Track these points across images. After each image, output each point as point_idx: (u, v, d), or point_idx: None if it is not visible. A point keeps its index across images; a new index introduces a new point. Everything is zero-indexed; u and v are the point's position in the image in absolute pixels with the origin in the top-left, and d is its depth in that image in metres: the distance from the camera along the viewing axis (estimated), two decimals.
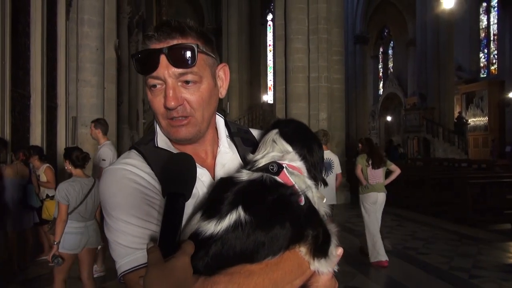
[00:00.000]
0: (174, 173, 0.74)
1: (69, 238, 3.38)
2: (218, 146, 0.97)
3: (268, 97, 23.92)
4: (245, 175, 0.79)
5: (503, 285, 4.46)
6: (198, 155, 0.93)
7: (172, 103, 0.82)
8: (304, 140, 0.88)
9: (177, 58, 0.81)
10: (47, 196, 5.28)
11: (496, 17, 23.09)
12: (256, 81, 20.64)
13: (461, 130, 20.05)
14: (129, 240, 0.80)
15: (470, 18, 23.96)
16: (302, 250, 0.77)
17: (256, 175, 0.78)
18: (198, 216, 0.75)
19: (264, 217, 0.72)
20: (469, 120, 22.02)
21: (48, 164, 5.54)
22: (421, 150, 20.39)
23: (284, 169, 0.80)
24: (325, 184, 0.89)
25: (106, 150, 4.85)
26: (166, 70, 0.82)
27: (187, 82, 0.84)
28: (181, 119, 0.85)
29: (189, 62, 0.81)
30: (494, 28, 23.45)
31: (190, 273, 0.65)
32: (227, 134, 1.00)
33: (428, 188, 8.78)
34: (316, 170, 0.87)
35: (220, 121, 1.00)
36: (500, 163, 14.15)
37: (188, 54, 0.81)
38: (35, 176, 5.31)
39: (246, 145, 0.99)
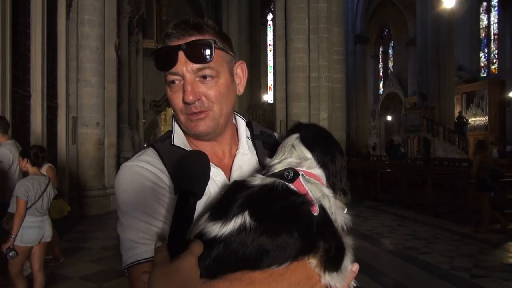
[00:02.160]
0: (186, 171, 0.73)
1: (28, 232, 3.55)
2: (237, 147, 0.97)
3: (268, 97, 23.91)
4: (258, 180, 0.78)
5: (504, 285, 4.45)
6: (216, 154, 0.93)
7: (190, 98, 0.83)
8: (325, 146, 0.86)
9: (195, 54, 0.83)
10: None
11: (497, 16, 23.08)
12: (256, 80, 20.64)
13: (461, 129, 20.06)
14: (136, 235, 0.81)
15: (470, 17, 23.95)
16: (312, 262, 0.74)
17: (269, 180, 0.77)
18: (205, 216, 0.74)
19: (271, 224, 0.70)
20: (469, 120, 22.01)
21: (50, 164, 5.51)
22: (421, 149, 20.39)
23: (300, 176, 0.78)
24: (345, 193, 0.87)
25: (4, 151, 4.52)
26: (184, 66, 0.84)
27: (204, 77, 0.85)
28: (199, 114, 0.86)
29: (207, 57, 0.83)
30: (494, 28, 23.44)
31: (196, 275, 0.64)
32: (248, 136, 1.00)
33: (429, 188, 8.77)
34: (336, 179, 0.84)
35: (241, 122, 1.01)
36: (500, 163, 14.13)
37: (206, 49, 0.83)
38: None
39: (266, 148, 0.98)
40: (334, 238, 0.75)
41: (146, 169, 0.86)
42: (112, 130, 9.65)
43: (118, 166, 10.16)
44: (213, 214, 0.73)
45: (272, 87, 22.33)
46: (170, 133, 0.94)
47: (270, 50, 25.64)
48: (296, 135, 0.86)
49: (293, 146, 0.84)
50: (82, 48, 8.75)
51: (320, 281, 0.74)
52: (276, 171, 0.80)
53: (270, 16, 26.32)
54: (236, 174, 0.91)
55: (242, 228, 0.69)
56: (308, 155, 0.83)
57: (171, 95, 0.87)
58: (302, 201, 0.74)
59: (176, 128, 0.94)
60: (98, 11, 8.98)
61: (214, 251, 0.69)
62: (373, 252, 5.87)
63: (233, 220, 0.70)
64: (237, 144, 0.98)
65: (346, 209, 0.82)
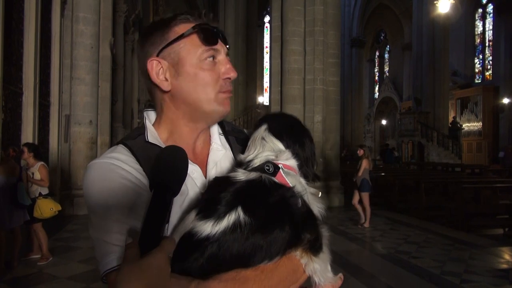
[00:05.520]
0: (163, 166, 0.69)
1: None
2: (209, 143, 0.95)
3: (264, 99, 23.96)
4: (241, 175, 0.76)
5: None
6: (193, 151, 0.91)
7: (232, 74, 0.88)
8: (294, 135, 0.86)
9: (225, 37, 0.91)
10: (40, 194, 5.21)
11: (492, 23, 23.28)
12: (252, 82, 20.64)
13: (455, 135, 20.18)
14: (114, 237, 0.76)
15: (465, 24, 24.14)
16: (298, 254, 0.75)
17: (253, 175, 0.76)
18: (192, 215, 0.72)
19: (264, 220, 0.70)
20: (463, 125, 22.15)
21: (42, 162, 5.46)
22: (415, 154, 20.49)
23: (280, 169, 0.79)
24: (318, 179, 0.87)
25: None
26: (221, 46, 0.89)
27: None
28: (229, 92, 0.90)
29: (227, 42, 0.93)
30: (489, 34, 23.65)
31: (166, 272, 0.61)
32: (220, 132, 0.99)
33: (422, 192, 8.80)
34: (308, 166, 0.85)
35: None
36: (493, 168, 14.24)
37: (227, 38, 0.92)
38: (25, 173, 5.23)
39: (239, 144, 0.97)
40: (317, 230, 0.76)
41: (120, 167, 0.81)
42: (105, 129, 9.59)
43: None
44: (202, 212, 0.71)
45: (268, 89, 22.37)
46: (141, 130, 0.90)
47: (267, 52, 25.70)
48: (264, 127, 0.86)
49: (263, 138, 0.84)
50: (76, 45, 8.69)
51: (305, 271, 0.76)
52: (255, 165, 0.79)
53: (267, 18, 26.37)
54: (212, 171, 0.89)
55: (236, 225, 0.68)
56: (281, 146, 0.83)
57: (205, 71, 0.86)
58: (291, 195, 0.74)
59: (148, 125, 0.90)
60: (93, 9, 8.93)
61: (208, 250, 0.67)
62: (365, 255, 5.86)
63: (227, 217, 0.69)
64: (209, 141, 0.95)
65: (320, 193, 0.84)
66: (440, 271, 5.05)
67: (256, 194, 0.73)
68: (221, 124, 1.00)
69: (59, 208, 5.37)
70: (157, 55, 0.86)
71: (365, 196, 7.72)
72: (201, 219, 0.70)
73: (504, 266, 5.41)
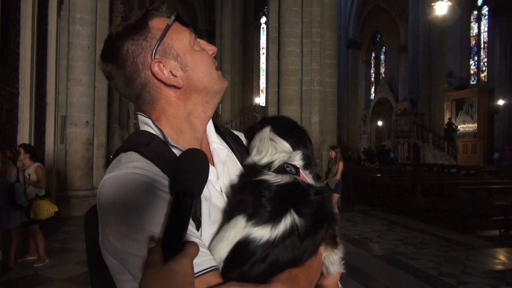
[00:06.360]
0: (184, 169, 0.68)
1: None
2: (208, 142, 0.91)
3: (260, 100, 23.94)
4: (273, 178, 0.76)
5: None
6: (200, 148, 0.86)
7: (215, 48, 0.92)
8: (296, 135, 0.88)
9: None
10: (37, 195, 5.18)
11: (487, 25, 23.43)
12: (248, 83, 20.64)
13: (450, 136, 20.27)
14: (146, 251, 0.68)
15: (461, 25, 24.29)
16: (321, 248, 0.78)
17: (286, 177, 0.76)
18: (240, 221, 0.71)
19: (313, 220, 0.72)
20: (459, 127, 22.27)
21: (39, 163, 5.43)
22: (411, 155, 20.57)
23: (300, 170, 0.81)
24: (320, 179, 0.88)
25: None
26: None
27: None
28: None
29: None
30: (484, 36, 23.80)
31: (191, 279, 0.60)
32: (214, 130, 0.94)
33: (418, 193, 8.83)
34: (311, 165, 0.86)
35: None
36: (488, 169, 14.32)
37: None
38: (22, 174, 5.20)
39: (238, 144, 0.95)
40: (336, 224, 0.80)
41: (148, 176, 0.72)
42: (102, 130, 9.54)
43: (107, 166, 10.02)
44: (254, 218, 0.70)
45: (264, 90, 22.36)
46: (149, 135, 0.83)
47: (263, 53, 25.71)
48: (268, 128, 0.87)
49: (272, 139, 0.85)
50: (73, 46, 8.66)
51: (324, 261, 0.79)
52: (275, 167, 0.79)
53: (263, 19, 26.38)
54: (223, 173, 0.86)
55: (294, 228, 0.70)
56: (289, 147, 0.85)
57: (201, 53, 0.87)
58: (324, 193, 0.78)
59: (157, 129, 0.83)
60: (90, 9, 8.89)
61: (270, 255, 0.68)
62: (363, 257, 5.87)
63: (283, 221, 0.70)
64: (207, 140, 0.91)
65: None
66: (437, 272, 5.07)
67: (300, 196, 0.74)
68: (215, 124, 0.95)
69: (56, 209, 5.35)
70: (153, 57, 0.81)
71: (336, 197, 7.85)
72: (255, 225, 0.69)
73: (500, 267, 5.45)
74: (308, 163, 0.84)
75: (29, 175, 5.26)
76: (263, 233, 0.69)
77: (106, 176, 0.75)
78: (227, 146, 0.93)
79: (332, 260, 0.79)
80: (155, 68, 0.81)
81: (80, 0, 8.72)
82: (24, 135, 6.73)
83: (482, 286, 4.63)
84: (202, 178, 0.69)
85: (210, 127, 0.93)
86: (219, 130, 0.95)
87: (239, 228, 0.70)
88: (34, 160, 5.37)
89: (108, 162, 10.41)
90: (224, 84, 0.89)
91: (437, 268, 5.26)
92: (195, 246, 0.61)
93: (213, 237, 0.74)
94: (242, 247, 0.69)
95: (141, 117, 0.87)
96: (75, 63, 8.67)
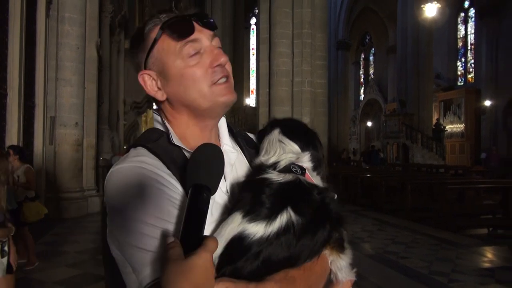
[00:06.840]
0: (200, 164, 0.68)
1: None
2: (220, 144, 0.91)
3: (250, 101, 23.95)
4: (276, 176, 0.76)
5: None
6: None
7: (223, 59, 0.84)
8: (306, 137, 0.88)
9: (206, 21, 0.85)
10: (26, 197, 5.10)
11: (474, 27, 23.79)
12: (238, 84, 20.63)
13: (438, 136, 20.52)
14: (149, 243, 0.70)
15: (448, 27, 24.62)
16: (327, 252, 0.77)
17: (289, 176, 0.76)
18: (236, 217, 0.70)
19: (311, 219, 0.71)
20: (447, 127, 22.55)
21: (28, 165, 5.36)
22: (400, 155, 20.76)
23: (307, 171, 0.80)
24: (328, 180, 0.89)
25: None
26: (201, 33, 0.84)
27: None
28: (228, 78, 0.85)
29: (214, 25, 0.86)
30: (471, 38, 24.15)
31: (212, 273, 0.60)
32: (229, 133, 0.96)
33: (408, 193, 8.91)
34: (321, 167, 0.86)
35: (221, 118, 0.95)
36: (475, 169, 14.52)
37: (210, 18, 0.86)
38: (11, 176, 5.12)
39: (250, 146, 0.96)
40: (342, 228, 0.79)
41: (153, 172, 0.76)
42: (91, 131, 9.46)
43: (97, 167, 9.94)
44: (250, 214, 0.70)
45: (254, 91, 22.37)
46: (158, 132, 0.87)
47: (253, 54, 25.73)
48: (277, 130, 0.87)
49: (280, 141, 0.85)
50: (62, 46, 8.56)
51: (331, 267, 0.78)
52: (281, 167, 0.79)
53: (253, 20, 26.43)
54: (230, 175, 0.87)
55: (289, 225, 0.69)
56: (297, 147, 0.85)
57: (191, 67, 0.81)
58: (328, 194, 0.77)
59: (169, 126, 0.87)
60: (79, 9, 8.81)
61: (263, 252, 0.67)
62: (354, 256, 5.90)
63: (279, 218, 0.69)
64: (219, 142, 0.92)
65: (336, 196, 0.84)
66: (428, 271, 5.12)
67: (300, 195, 0.74)
68: (228, 126, 0.97)
69: (46, 211, 5.28)
70: (145, 68, 0.85)
71: None
72: (250, 221, 0.69)
73: (489, 265, 5.53)
74: (318, 165, 0.84)
75: (18, 177, 5.18)
76: (257, 229, 0.68)
77: (112, 168, 0.79)
78: (239, 149, 0.94)
79: (339, 265, 0.77)
80: (140, 79, 0.86)
81: (69, 0, 8.62)
82: (12, 136, 6.62)
83: (473, 284, 4.69)
84: (219, 173, 0.70)
85: (224, 129, 0.94)
86: (232, 132, 0.96)
87: (235, 224, 0.70)
88: (23, 162, 5.30)
89: (97, 163, 10.31)
90: (223, 99, 0.84)
91: (427, 266, 5.31)
92: (215, 241, 0.61)
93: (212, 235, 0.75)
94: (237, 243, 0.68)
95: (154, 115, 0.92)
96: (64, 64, 8.57)
